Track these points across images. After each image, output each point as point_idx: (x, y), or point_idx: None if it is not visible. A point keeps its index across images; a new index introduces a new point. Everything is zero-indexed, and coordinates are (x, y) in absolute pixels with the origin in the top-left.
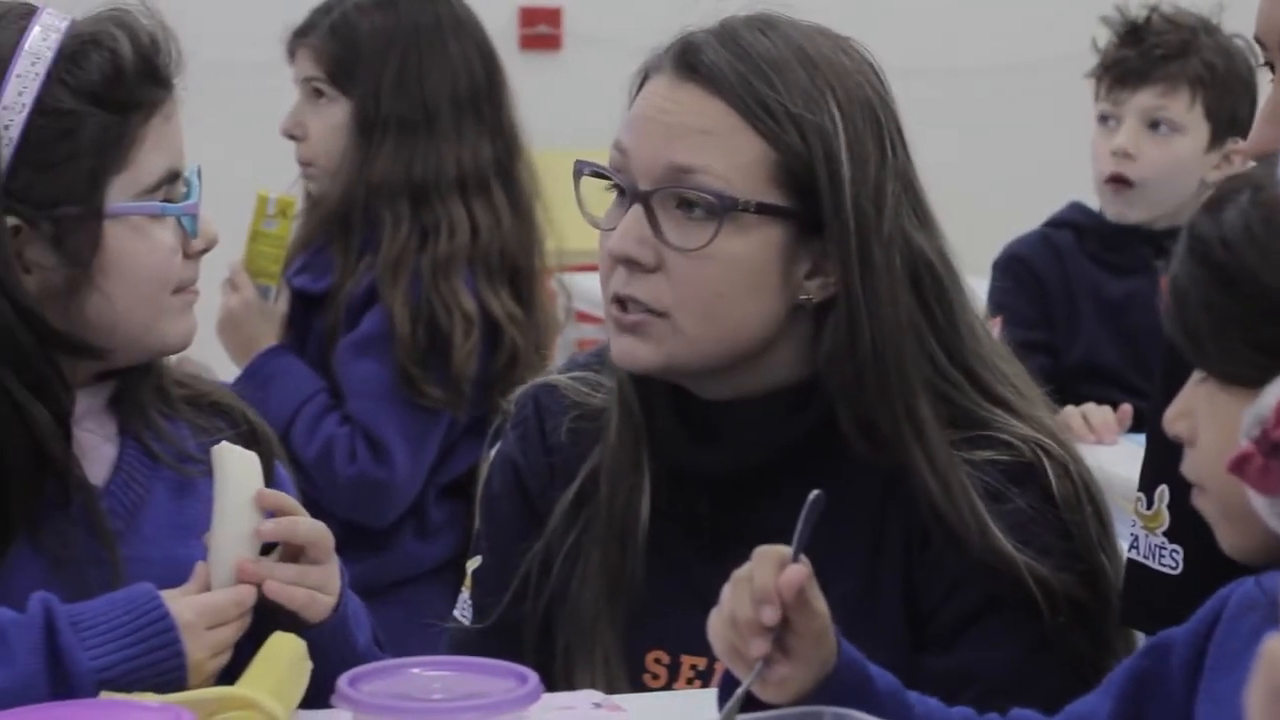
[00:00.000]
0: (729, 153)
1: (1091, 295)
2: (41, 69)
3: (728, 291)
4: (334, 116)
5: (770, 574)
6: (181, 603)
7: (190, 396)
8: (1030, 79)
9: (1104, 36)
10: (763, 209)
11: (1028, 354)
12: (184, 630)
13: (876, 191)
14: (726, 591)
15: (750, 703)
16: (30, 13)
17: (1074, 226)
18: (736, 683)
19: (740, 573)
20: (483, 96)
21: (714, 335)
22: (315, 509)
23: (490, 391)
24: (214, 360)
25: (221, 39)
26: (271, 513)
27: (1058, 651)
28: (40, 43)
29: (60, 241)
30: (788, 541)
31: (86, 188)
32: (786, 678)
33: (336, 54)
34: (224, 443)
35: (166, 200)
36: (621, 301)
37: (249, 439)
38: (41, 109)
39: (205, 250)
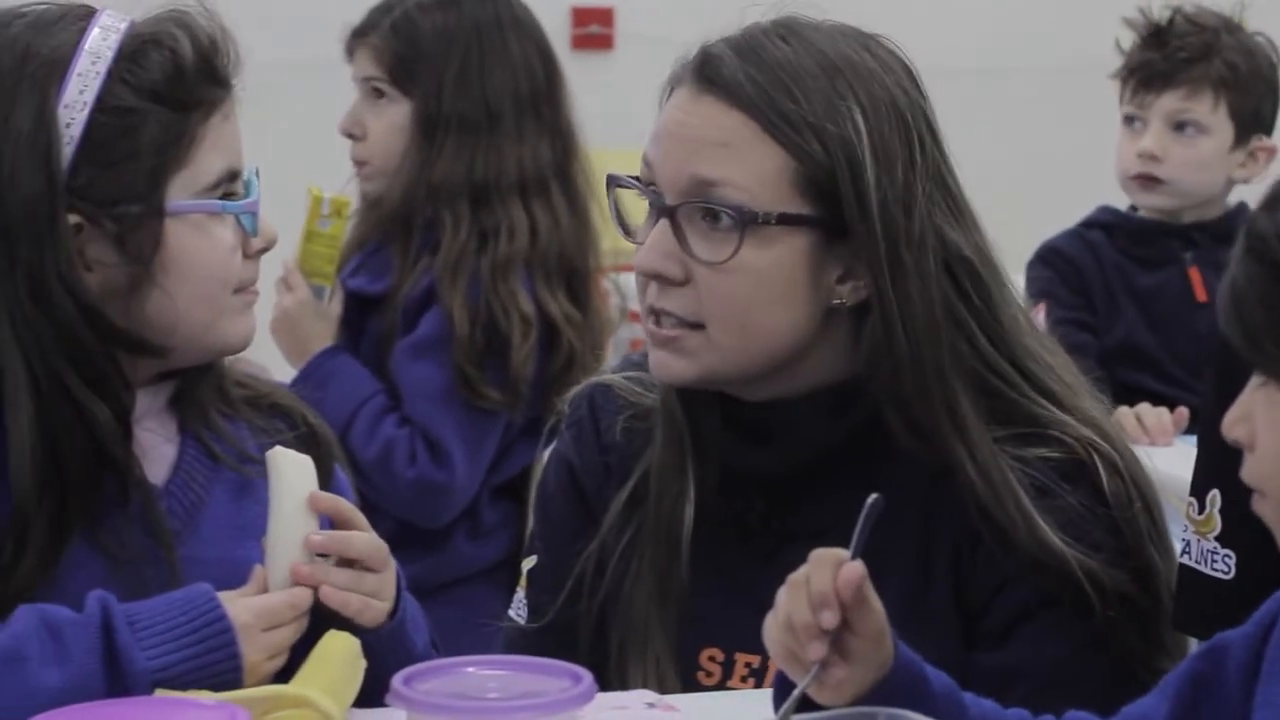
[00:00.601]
0: (750, 164)
1: (1125, 285)
2: (102, 68)
3: (757, 302)
4: (394, 116)
5: (828, 577)
6: (239, 604)
7: (250, 397)
8: (1060, 79)
9: (1127, 38)
10: (785, 219)
11: (1072, 331)
12: (240, 631)
13: (905, 193)
14: (782, 596)
15: (805, 705)
16: (89, 14)
17: (1104, 226)
18: (791, 684)
19: (796, 577)
20: (542, 97)
21: (748, 345)
22: (371, 509)
23: (546, 392)
24: (270, 361)
25: (274, 38)
26: (326, 517)
27: (1109, 649)
28: (100, 42)
29: (122, 239)
30: (839, 540)
31: (147, 185)
32: (844, 680)
33: (398, 53)
34: (278, 446)
35: (225, 198)
36: (656, 314)
37: (309, 441)
38: (102, 107)
39: (265, 249)
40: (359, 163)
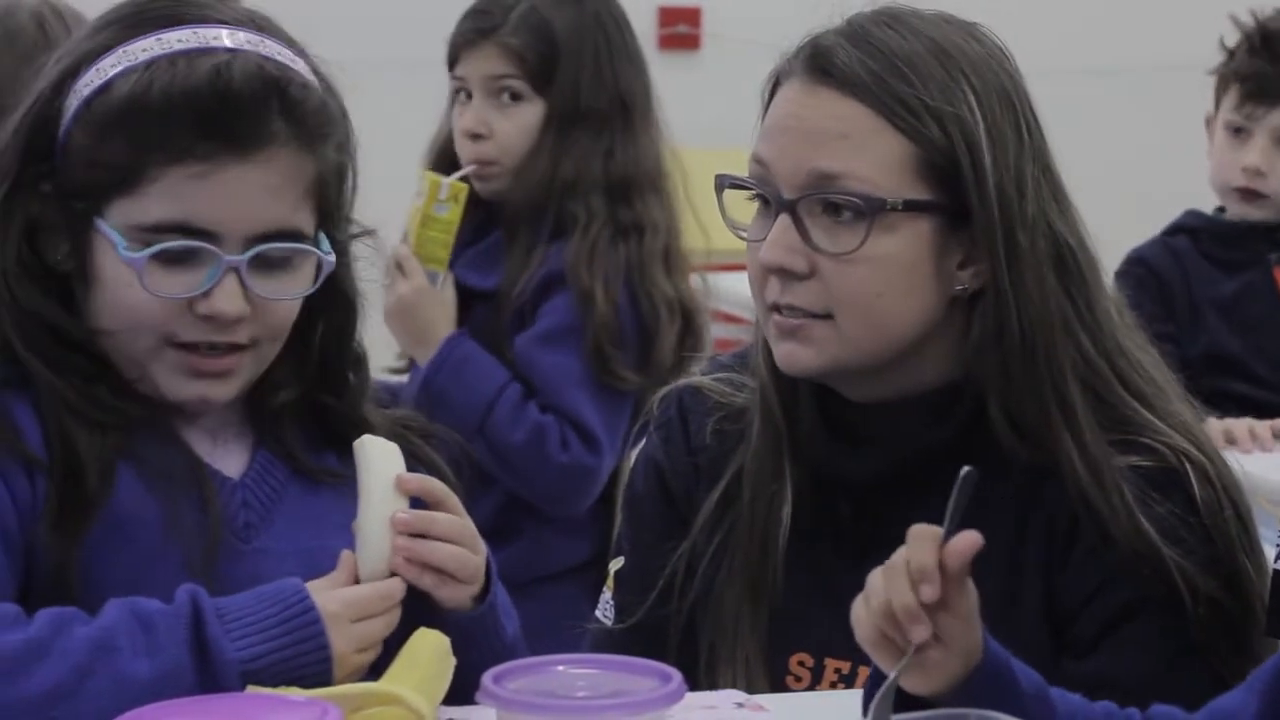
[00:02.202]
0: (871, 154)
1: (1209, 292)
2: (113, 71)
3: (885, 290)
4: (526, 115)
5: (929, 552)
6: (327, 595)
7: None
8: (1153, 82)
9: (1230, 35)
10: (910, 206)
11: (1153, 342)
12: (329, 622)
13: (1018, 176)
14: (877, 580)
15: (896, 704)
16: (172, 22)
17: (1189, 231)
18: (880, 680)
19: (895, 561)
20: (649, 91)
21: (876, 334)
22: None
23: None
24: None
25: (345, 37)
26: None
27: (1200, 656)
28: (138, 48)
29: (68, 229)
30: None
31: (92, 194)
32: (939, 662)
33: (538, 51)
34: (365, 435)
35: (168, 246)
36: (779, 309)
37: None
38: (87, 108)
39: (211, 318)
40: (486, 162)
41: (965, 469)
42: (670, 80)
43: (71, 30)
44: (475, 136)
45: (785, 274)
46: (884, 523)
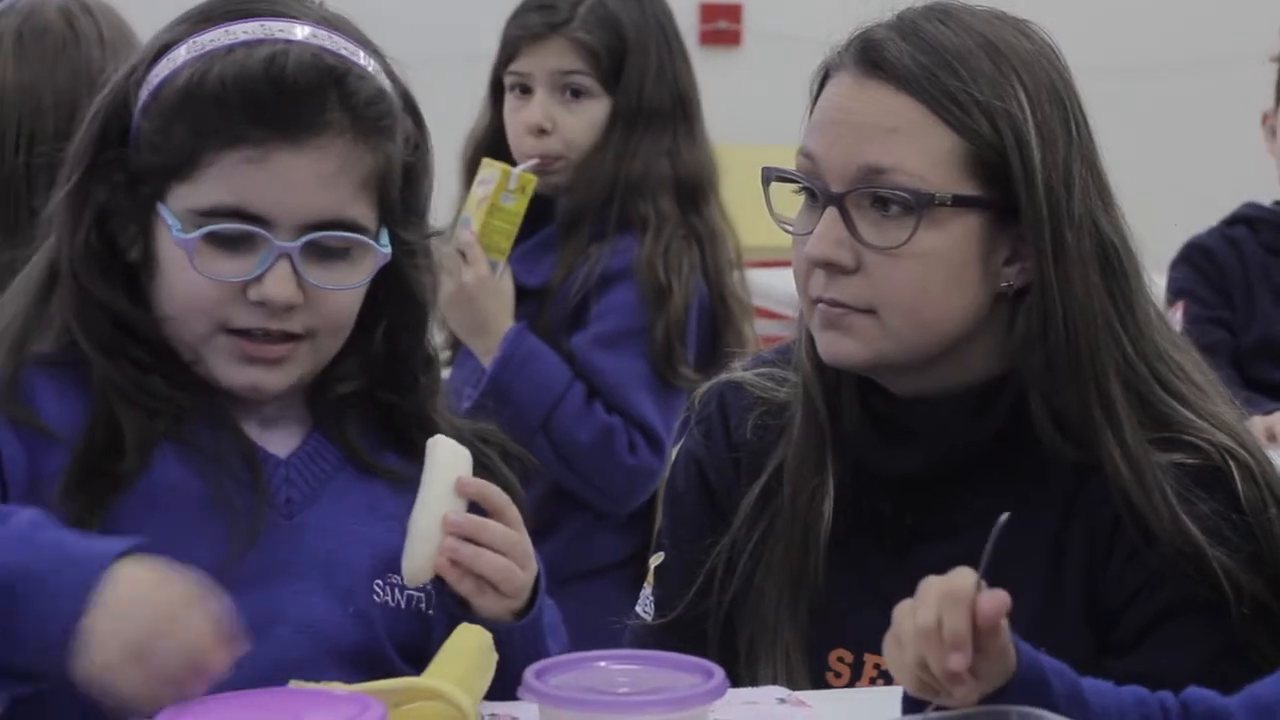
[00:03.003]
0: (921, 148)
1: (1265, 280)
2: (179, 63)
3: (932, 286)
4: (593, 112)
5: (963, 619)
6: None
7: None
8: (1200, 76)
9: None
10: (959, 201)
11: (1209, 329)
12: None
13: (1066, 174)
14: (909, 631)
15: (912, 705)
16: (243, 15)
17: (1248, 221)
18: (914, 700)
19: (927, 622)
20: (696, 89)
21: (921, 330)
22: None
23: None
24: None
25: (402, 34)
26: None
27: (1244, 656)
28: (208, 41)
29: (134, 213)
30: (973, 540)
31: (154, 180)
32: (969, 693)
33: (608, 46)
34: (439, 435)
35: (218, 228)
36: (824, 303)
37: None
38: (155, 97)
39: (262, 304)
40: (552, 158)
41: (1003, 516)
42: (711, 76)
43: (102, 26)
44: (540, 132)
45: (831, 268)
46: (925, 518)
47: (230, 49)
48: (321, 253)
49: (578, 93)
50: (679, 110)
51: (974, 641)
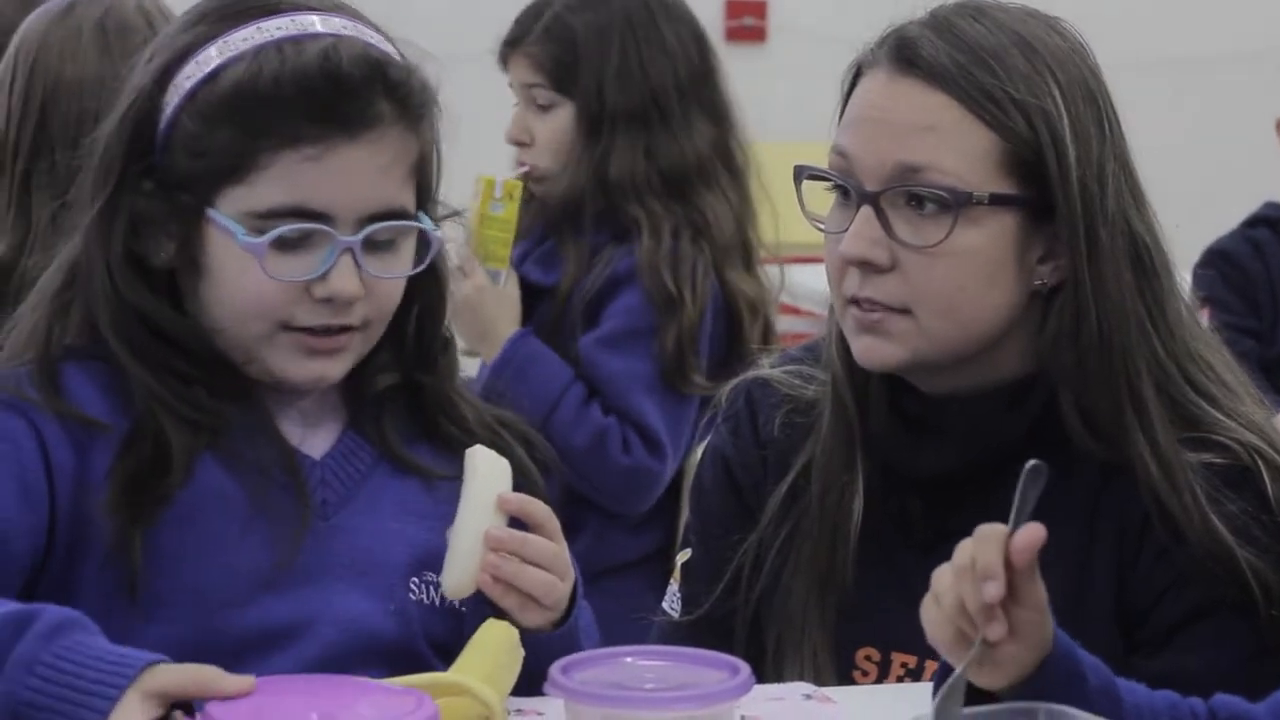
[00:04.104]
0: (957, 146)
1: None
2: (214, 65)
3: (968, 284)
4: (559, 121)
5: (995, 550)
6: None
7: (457, 438)
8: (1222, 73)
9: None
10: (996, 199)
11: (1235, 338)
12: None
13: (1099, 171)
14: (945, 580)
15: (967, 700)
16: (267, 11)
17: (1269, 223)
18: (951, 674)
19: (961, 560)
20: (700, 79)
21: (957, 328)
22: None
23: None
24: None
25: (435, 32)
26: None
27: (1273, 658)
28: (238, 39)
29: (175, 221)
30: None
31: (202, 185)
32: (1013, 655)
33: (555, 57)
34: (478, 445)
35: (287, 231)
36: (858, 302)
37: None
38: (191, 100)
39: (330, 300)
40: (535, 167)
41: (1031, 462)
42: (737, 73)
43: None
44: (519, 144)
45: (866, 266)
46: (953, 517)
47: (277, 46)
48: (376, 243)
49: (546, 103)
50: (651, 109)
51: (1009, 584)
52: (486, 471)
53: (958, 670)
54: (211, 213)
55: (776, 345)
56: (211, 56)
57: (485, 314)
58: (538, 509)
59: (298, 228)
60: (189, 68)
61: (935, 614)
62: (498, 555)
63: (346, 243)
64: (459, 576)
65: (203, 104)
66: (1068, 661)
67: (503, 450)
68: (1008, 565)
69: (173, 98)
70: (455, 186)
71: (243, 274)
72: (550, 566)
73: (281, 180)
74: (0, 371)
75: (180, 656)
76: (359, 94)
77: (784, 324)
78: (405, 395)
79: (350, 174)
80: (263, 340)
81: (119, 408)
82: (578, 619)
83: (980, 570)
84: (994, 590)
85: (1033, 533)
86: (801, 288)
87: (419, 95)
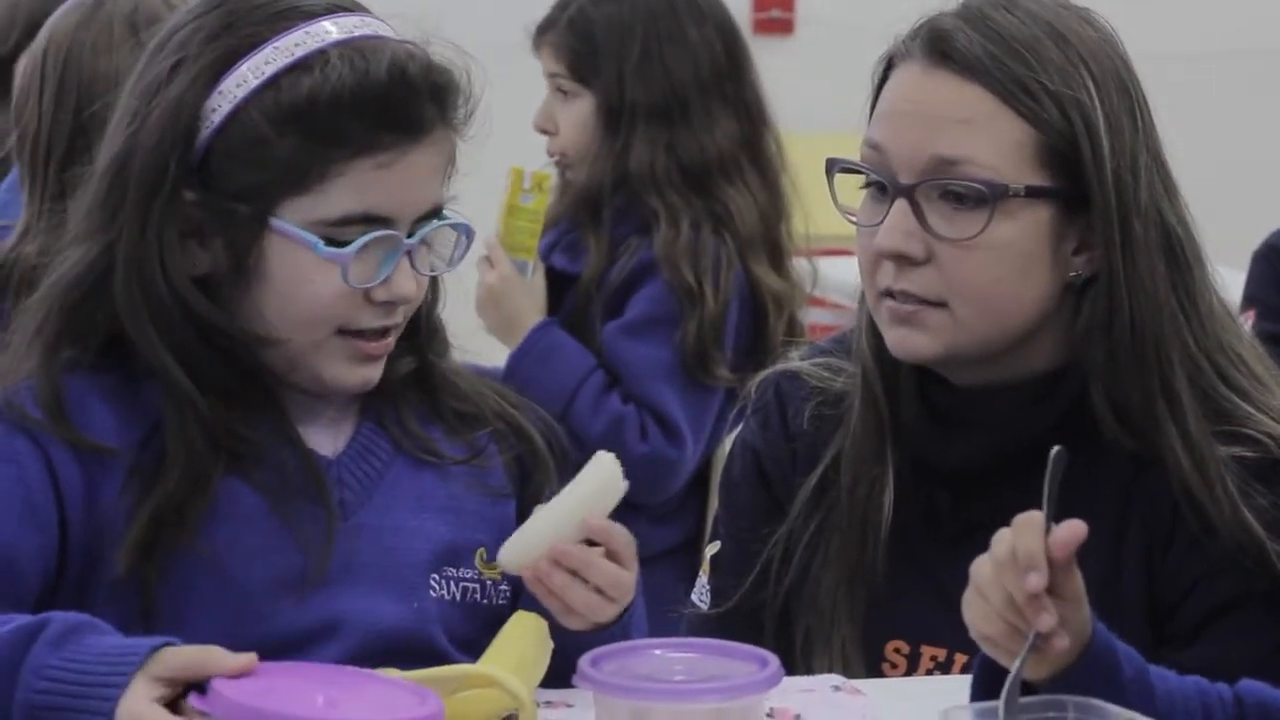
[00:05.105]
0: (992, 139)
1: None
2: (269, 71)
3: (1004, 277)
4: (580, 110)
5: (1036, 540)
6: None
7: (466, 413)
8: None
9: None
10: (1032, 192)
11: (1277, 347)
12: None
13: (1133, 162)
14: (988, 574)
15: (987, 693)
16: (314, 15)
17: None
18: (993, 671)
19: (1000, 553)
20: (725, 74)
21: (991, 321)
22: None
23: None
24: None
25: (464, 23)
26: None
27: None
28: (289, 45)
29: (226, 231)
30: None
31: (261, 195)
32: (1058, 648)
33: (575, 48)
34: (610, 455)
35: (338, 241)
36: (892, 295)
37: (510, 441)
38: (245, 109)
39: (392, 303)
40: (556, 156)
41: (1055, 449)
42: (764, 65)
43: None
44: (545, 132)
45: (902, 260)
46: (983, 509)
47: (340, 53)
48: (423, 242)
49: (568, 92)
50: (673, 104)
51: (1050, 578)
52: (599, 485)
53: (1017, 663)
54: (277, 223)
55: (803, 338)
56: (263, 63)
57: (511, 305)
58: (619, 539)
59: (376, 234)
60: (237, 74)
61: (982, 609)
62: (551, 565)
63: (408, 245)
64: (515, 556)
65: (264, 112)
66: (1107, 654)
67: (502, 417)
68: (1047, 558)
69: (220, 104)
70: (488, 179)
71: (308, 282)
72: (605, 591)
73: (352, 188)
74: (4, 389)
75: None
76: (421, 99)
77: (811, 316)
78: (415, 379)
79: (413, 178)
80: (317, 347)
81: (129, 421)
82: (635, 611)
83: (1022, 560)
84: (1037, 581)
85: (1074, 529)
86: (830, 279)
87: (455, 95)
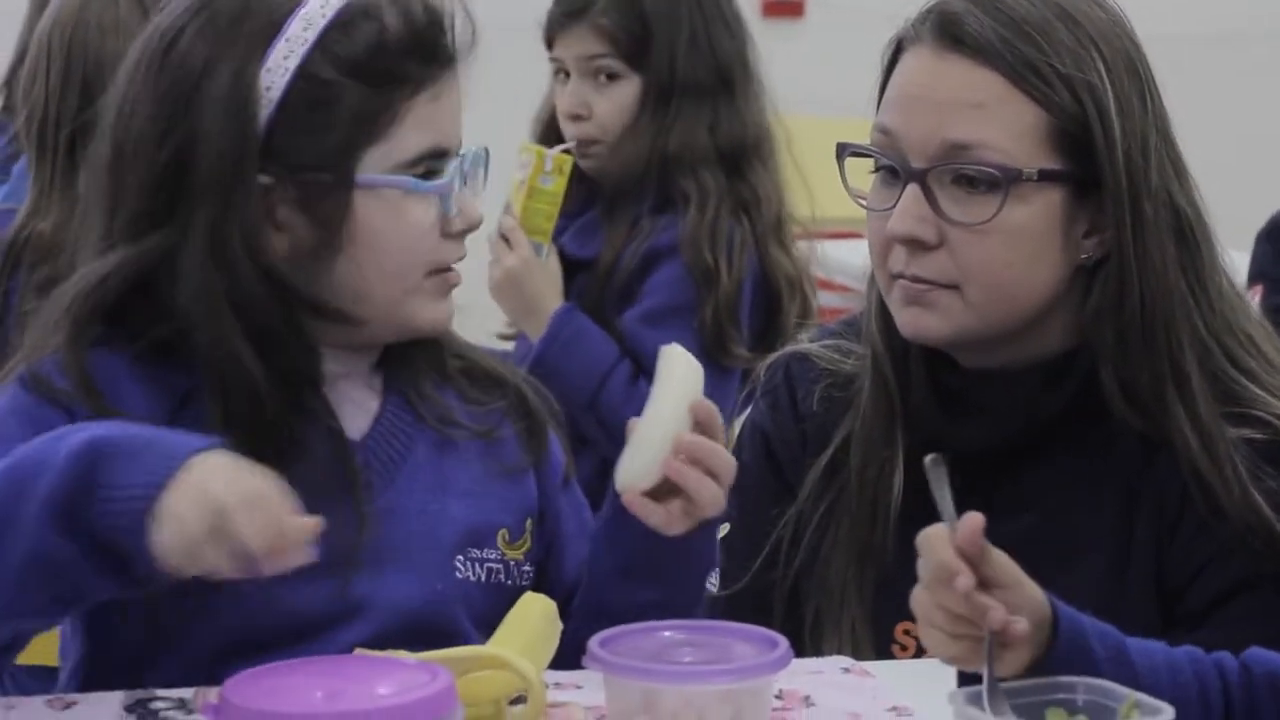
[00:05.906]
0: (1004, 123)
1: None
2: (312, 35)
3: (1017, 260)
4: (625, 94)
5: (946, 549)
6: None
7: (466, 368)
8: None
9: None
10: (1044, 175)
11: None
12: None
13: (1143, 144)
14: (925, 601)
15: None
16: None
17: None
18: (975, 682)
19: (929, 577)
20: (747, 56)
21: (1003, 304)
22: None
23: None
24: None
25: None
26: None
27: None
28: (316, 9)
29: (310, 204)
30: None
31: (339, 156)
32: (1024, 632)
33: (629, 30)
34: (675, 345)
35: (428, 176)
36: (903, 275)
37: (520, 410)
38: (303, 74)
39: (467, 230)
40: (588, 141)
41: (929, 456)
42: (774, 48)
43: None
44: (575, 117)
45: (914, 244)
46: (992, 491)
47: (365, 2)
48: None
49: (612, 75)
50: (718, 83)
51: (976, 573)
52: (682, 374)
53: (986, 670)
54: (362, 177)
55: (813, 321)
56: (302, 29)
57: (529, 288)
58: (716, 419)
59: (454, 160)
60: (280, 48)
61: (935, 636)
62: (681, 463)
63: (467, 171)
64: (643, 467)
65: (323, 73)
66: (1076, 638)
67: (520, 395)
68: (965, 558)
69: (273, 81)
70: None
71: (405, 228)
72: (722, 477)
73: (418, 125)
74: (29, 364)
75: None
76: (445, 32)
77: (819, 299)
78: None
79: (456, 106)
80: (408, 294)
81: (157, 397)
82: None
83: (942, 572)
84: (965, 581)
85: (973, 520)
86: (837, 263)
87: (459, 26)
